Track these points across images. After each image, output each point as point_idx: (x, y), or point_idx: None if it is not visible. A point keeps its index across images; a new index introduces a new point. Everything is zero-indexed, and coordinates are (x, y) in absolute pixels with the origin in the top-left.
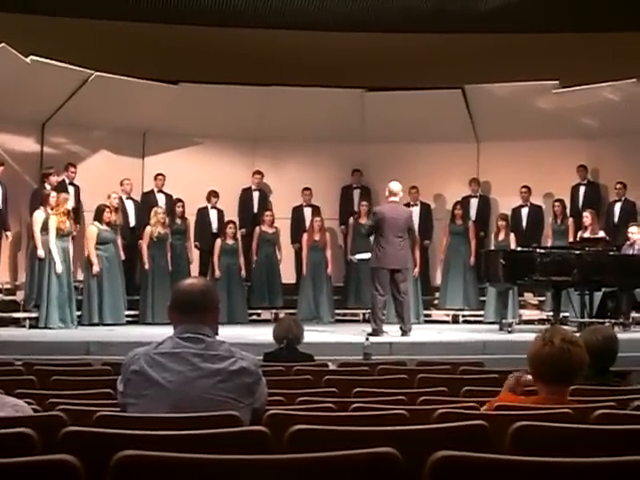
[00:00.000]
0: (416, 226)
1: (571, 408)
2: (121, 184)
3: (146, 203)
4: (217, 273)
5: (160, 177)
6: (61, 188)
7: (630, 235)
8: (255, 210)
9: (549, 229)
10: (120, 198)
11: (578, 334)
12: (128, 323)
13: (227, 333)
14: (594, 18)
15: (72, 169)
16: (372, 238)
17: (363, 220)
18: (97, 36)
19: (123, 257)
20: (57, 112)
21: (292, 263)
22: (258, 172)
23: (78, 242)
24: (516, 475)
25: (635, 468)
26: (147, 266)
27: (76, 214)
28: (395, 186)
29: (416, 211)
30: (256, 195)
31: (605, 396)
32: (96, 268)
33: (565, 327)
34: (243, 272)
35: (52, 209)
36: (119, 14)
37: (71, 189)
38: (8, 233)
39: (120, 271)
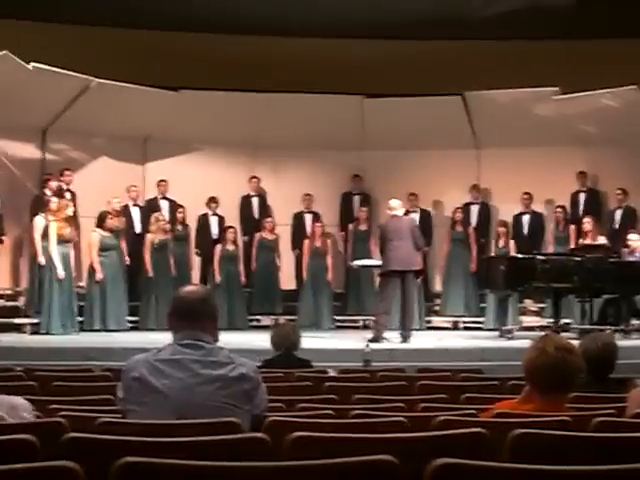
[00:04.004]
0: None
1: (570, 416)
2: (127, 191)
3: (150, 209)
4: (217, 279)
5: (163, 183)
6: (58, 194)
7: (630, 242)
8: (256, 216)
9: (550, 236)
10: (126, 205)
11: (578, 341)
12: (130, 329)
13: (227, 339)
14: (593, 25)
15: (67, 174)
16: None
17: (363, 226)
18: (98, 43)
19: (128, 262)
20: (58, 119)
21: (292, 269)
22: (254, 177)
23: (77, 248)
24: None
25: (634, 476)
26: (150, 273)
27: (75, 220)
28: (393, 202)
29: (415, 218)
30: (256, 201)
31: (605, 403)
32: (99, 275)
33: (565, 334)
34: (243, 278)
35: (53, 215)
36: (120, 21)
37: (68, 195)
38: (3, 238)
39: (122, 277)
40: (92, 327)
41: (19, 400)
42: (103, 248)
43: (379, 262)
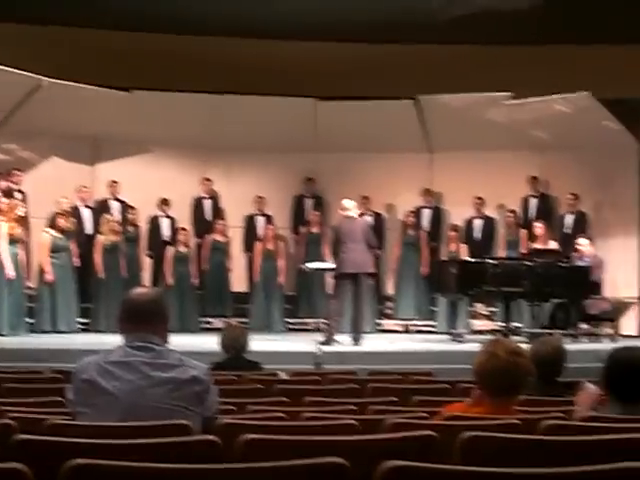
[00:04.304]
0: None
1: (519, 419)
2: (78, 191)
3: (100, 210)
4: (169, 281)
5: (114, 184)
6: (7, 194)
7: (579, 247)
8: (208, 218)
9: (502, 240)
10: (76, 206)
11: (528, 345)
12: (81, 331)
13: (179, 341)
14: (546, 31)
15: (17, 174)
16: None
17: (315, 229)
18: (49, 42)
19: (78, 264)
20: (8, 119)
21: (244, 271)
22: (207, 179)
23: (27, 248)
24: None
25: (581, 479)
26: (100, 275)
27: (24, 220)
28: (347, 203)
29: (369, 220)
30: (208, 203)
31: (553, 407)
32: (49, 277)
33: (515, 338)
34: (195, 280)
35: (3, 215)
36: (71, 20)
37: (18, 195)
38: None
39: (73, 279)
40: (42, 328)
41: None
42: (54, 249)
43: (331, 265)
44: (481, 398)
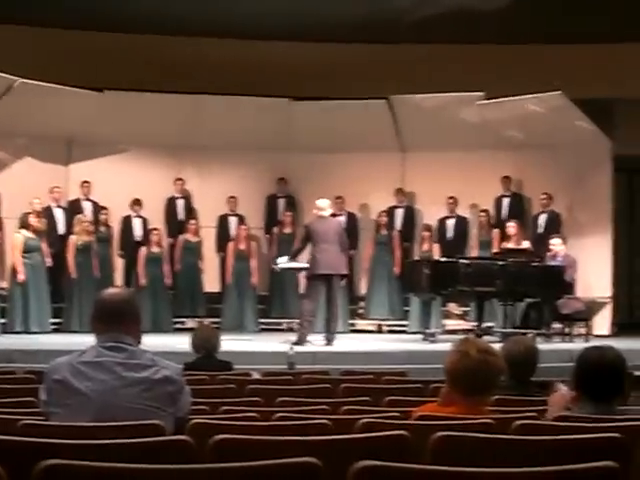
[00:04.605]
0: None
1: (492, 418)
2: (50, 192)
3: (72, 211)
4: (142, 281)
5: (86, 184)
6: None
7: (552, 247)
8: (181, 218)
9: (474, 240)
10: (49, 206)
11: (501, 344)
12: (53, 331)
13: (152, 342)
14: (519, 30)
15: None
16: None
17: (287, 229)
18: (21, 42)
19: (50, 264)
20: None
21: (217, 272)
22: (179, 179)
23: (1, 249)
24: None
25: (553, 478)
26: (73, 275)
27: None
28: (322, 202)
29: (342, 221)
30: (181, 203)
31: (526, 406)
32: (21, 276)
33: (488, 337)
34: (168, 280)
35: None
36: (43, 20)
37: None
38: None
39: (45, 279)
40: (14, 329)
41: None
42: (26, 249)
43: (302, 265)
44: (450, 397)
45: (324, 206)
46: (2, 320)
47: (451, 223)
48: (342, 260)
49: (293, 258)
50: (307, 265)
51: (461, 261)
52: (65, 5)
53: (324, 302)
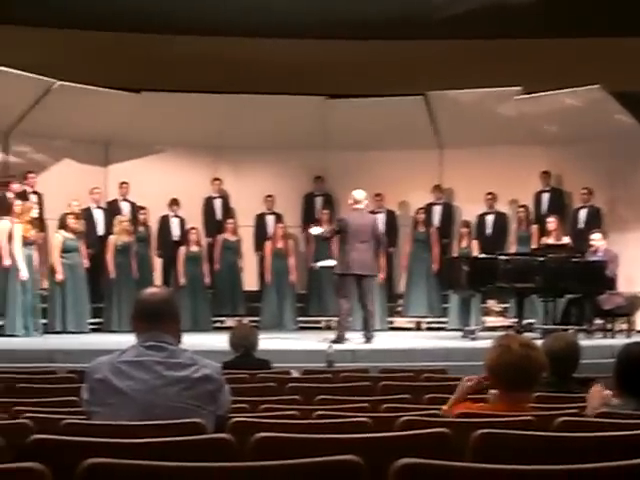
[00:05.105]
0: None
1: (533, 415)
2: (91, 193)
3: (111, 212)
4: (181, 281)
5: (124, 185)
6: (22, 197)
7: (593, 242)
8: (219, 218)
9: (513, 236)
10: (88, 207)
11: (541, 341)
12: (93, 331)
13: (191, 341)
14: (557, 24)
15: (31, 176)
16: (338, 245)
17: (324, 228)
18: (60, 45)
19: (87, 264)
20: (21, 121)
21: (255, 270)
22: (217, 179)
23: (43, 250)
24: None
25: (597, 476)
26: (112, 275)
27: (40, 222)
28: (358, 194)
29: (381, 218)
30: (218, 203)
31: (567, 403)
32: (60, 276)
33: (529, 334)
34: (208, 279)
35: (17, 217)
36: (82, 23)
37: (33, 197)
38: None
39: (84, 279)
40: (54, 329)
41: None
42: (65, 250)
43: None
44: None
45: (360, 198)
46: (43, 320)
47: (490, 219)
48: (374, 261)
49: (326, 236)
50: (336, 262)
51: (500, 257)
52: (100, 7)
53: (358, 301)
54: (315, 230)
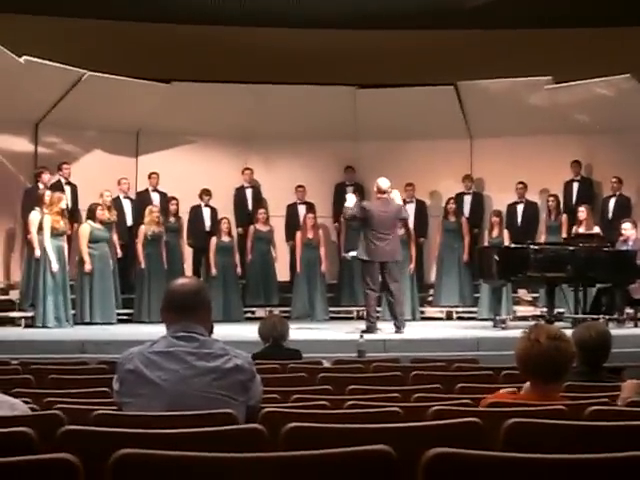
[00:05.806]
0: (411, 223)
1: (564, 405)
2: (118, 183)
3: (141, 202)
4: (213, 271)
5: (154, 176)
6: (57, 187)
7: (623, 231)
8: (250, 208)
9: (543, 225)
10: (117, 197)
11: (572, 330)
12: (123, 322)
13: (222, 331)
14: (587, 13)
15: (66, 167)
16: (361, 234)
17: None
18: (90, 36)
19: (120, 255)
20: (50, 112)
21: (287, 261)
22: (248, 168)
23: (73, 241)
24: (509, 471)
25: (629, 464)
26: (142, 265)
27: (74, 213)
28: (383, 183)
29: (411, 208)
30: (249, 193)
31: (598, 392)
32: (88, 266)
33: (559, 323)
34: (239, 270)
35: (47, 208)
36: (111, 13)
37: (67, 188)
38: None
39: (113, 270)
40: (83, 320)
41: (18, 402)
42: (93, 240)
43: None
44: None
45: (384, 187)
46: (73, 311)
47: (520, 208)
48: (398, 247)
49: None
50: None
51: (531, 247)
52: None
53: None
54: (352, 253)
